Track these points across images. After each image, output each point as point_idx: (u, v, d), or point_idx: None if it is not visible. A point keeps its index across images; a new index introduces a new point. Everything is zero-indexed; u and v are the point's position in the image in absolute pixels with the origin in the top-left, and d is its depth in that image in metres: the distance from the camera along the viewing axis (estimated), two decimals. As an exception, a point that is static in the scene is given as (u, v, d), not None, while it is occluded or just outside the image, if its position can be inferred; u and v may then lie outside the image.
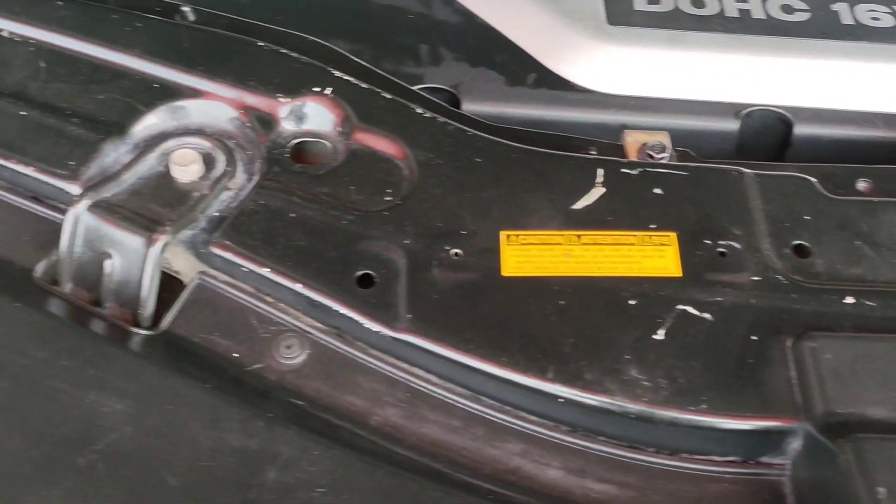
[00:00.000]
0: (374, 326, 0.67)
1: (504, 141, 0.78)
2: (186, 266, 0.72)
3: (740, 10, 0.97)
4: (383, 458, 0.63)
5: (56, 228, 0.72)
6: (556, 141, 0.81)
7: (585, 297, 0.68)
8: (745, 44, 0.93)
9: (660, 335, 0.66)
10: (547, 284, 0.69)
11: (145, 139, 0.77)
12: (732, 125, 0.90)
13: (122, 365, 0.64)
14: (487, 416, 0.66)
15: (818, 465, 0.62)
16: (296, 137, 0.78)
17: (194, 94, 0.79)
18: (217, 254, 0.70)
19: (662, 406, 0.63)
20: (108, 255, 0.70)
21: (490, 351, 0.66)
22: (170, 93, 0.79)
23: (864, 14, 0.96)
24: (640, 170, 0.76)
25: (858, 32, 0.94)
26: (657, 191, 0.74)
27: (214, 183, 0.74)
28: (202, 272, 0.71)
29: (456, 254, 0.71)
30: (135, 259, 0.69)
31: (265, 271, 0.69)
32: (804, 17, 0.96)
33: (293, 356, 0.68)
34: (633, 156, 0.79)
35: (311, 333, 0.69)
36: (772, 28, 0.95)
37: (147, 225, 0.70)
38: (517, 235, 0.71)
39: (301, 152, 0.79)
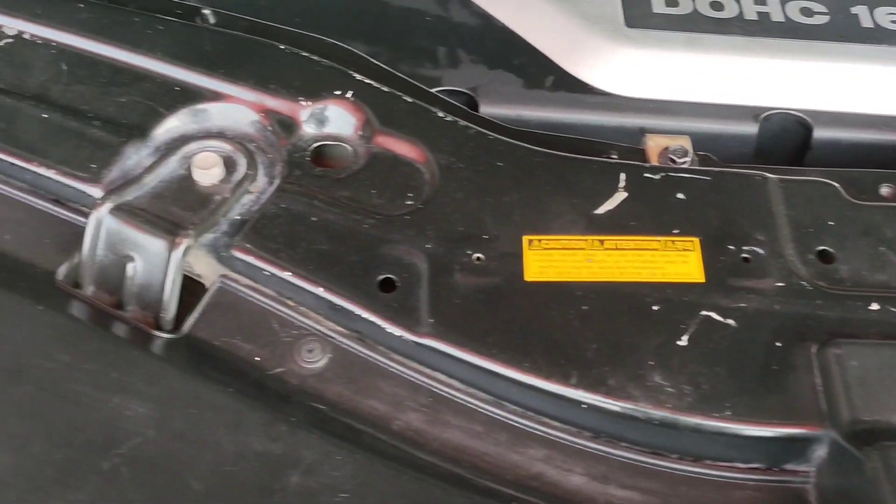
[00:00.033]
0: (396, 331, 0.67)
1: (525, 145, 0.77)
2: (208, 269, 0.72)
3: (759, 13, 0.96)
4: (406, 463, 0.63)
5: (77, 231, 0.72)
6: (577, 145, 0.80)
7: (608, 303, 0.68)
8: (764, 47, 0.93)
9: (683, 341, 0.66)
10: (570, 289, 0.68)
11: (166, 142, 0.77)
12: (751, 129, 0.89)
13: (144, 368, 0.64)
14: (510, 422, 0.66)
15: (844, 472, 0.61)
16: (316, 141, 0.78)
17: (215, 97, 0.79)
18: (239, 257, 0.70)
19: (686, 412, 0.63)
20: (131, 259, 0.70)
21: (513, 356, 0.66)
22: (191, 96, 0.79)
23: (884, 17, 0.95)
24: (663, 174, 0.75)
25: (878, 35, 0.93)
26: (680, 196, 0.74)
27: (236, 186, 0.74)
28: (223, 276, 0.71)
29: (478, 258, 0.70)
30: (157, 262, 0.69)
31: (287, 275, 0.69)
32: (823, 19, 0.96)
33: (315, 360, 0.68)
34: (654, 160, 0.79)
35: (332, 337, 0.69)
36: (791, 31, 0.94)
37: (169, 228, 0.70)
38: (539, 240, 0.71)
39: (321, 156, 0.78)
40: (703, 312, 0.67)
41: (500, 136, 0.78)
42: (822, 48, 0.93)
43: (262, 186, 0.75)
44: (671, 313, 0.67)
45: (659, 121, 0.89)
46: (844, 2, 0.97)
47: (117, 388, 0.62)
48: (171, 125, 0.78)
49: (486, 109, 0.88)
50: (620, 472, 0.64)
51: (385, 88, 0.80)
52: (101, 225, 0.70)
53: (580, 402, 0.64)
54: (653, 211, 0.73)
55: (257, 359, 0.68)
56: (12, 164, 0.75)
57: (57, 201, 0.75)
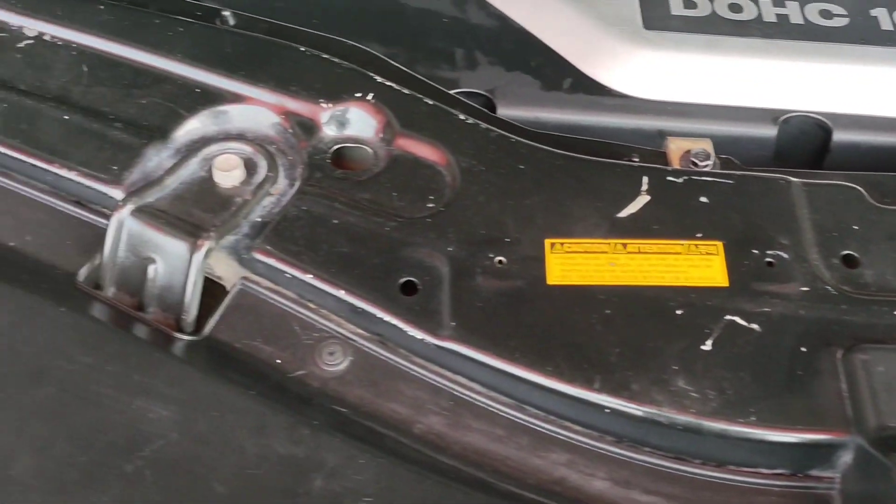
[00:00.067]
0: (418, 334, 0.67)
1: (547, 148, 0.77)
2: (229, 271, 0.72)
3: (778, 15, 0.96)
4: (428, 467, 0.62)
5: (98, 232, 0.72)
6: (597, 147, 0.80)
7: (631, 307, 0.67)
8: (783, 49, 0.92)
9: (707, 346, 0.65)
10: (592, 293, 0.68)
11: (187, 144, 0.77)
12: (770, 131, 0.89)
13: (167, 370, 0.64)
14: (532, 426, 0.66)
15: (870, 479, 0.61)
16: (337, 143, 0.78)
17: (236, 98, 0.79)
18: (260, 259, 0.70)
19: (711, 417, 0.63)
20: (152, 260, 0.70)
21: (535, 360, 0.65)
22: (211, 98, 0.79)
23: (904, 19, 0.95)
24: (686, 178, 0.75)
25: (898, 38, 0.93)
26: (703, 199, 0.73)
27: (257, 188, 0.74)
28: (244, 278, 0.71)
29: (500, 261, 0.70)
30: (179, 264, 0.69)
31: (308, 277, 0.69)
32: (843, 22, 0.95)
33: (336, 363, 0.68)
34: (676, 163, 0.79)
35: (353, 340, 0.68)
36: (810, 33, 0.94)
37: (191, 230, 0.69)
38: (562, 243, 0.71)
39: (341, 158, 0.78)
40: (727, 317, 0.67)
41: (521, 139, 0.78)
42: (842, 50, 0.92)
43: (282, 188, 0.75)
44: (695, 317, 0.67)
45: (677, 123, 0.89)
46: (864, 4, 0.97)
47: (140, 390, 0.62)
48: (192, 127, 0.77)
49: (503, 111, 0.88)
50: (643, 477, 0.64)
51: (406, 91, 0.80)
52: (123, 227, 0.70)
53: (603, 407, 0.64)
54: (676, 214, 0.73)
55: (278, 361, 0.67)
56: (34, 165, 0.75)
57: (78, 203, 0.75)
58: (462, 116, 0.79)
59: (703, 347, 0.65)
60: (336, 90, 0.79)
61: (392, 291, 0.69)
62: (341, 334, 0.69)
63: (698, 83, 0.91)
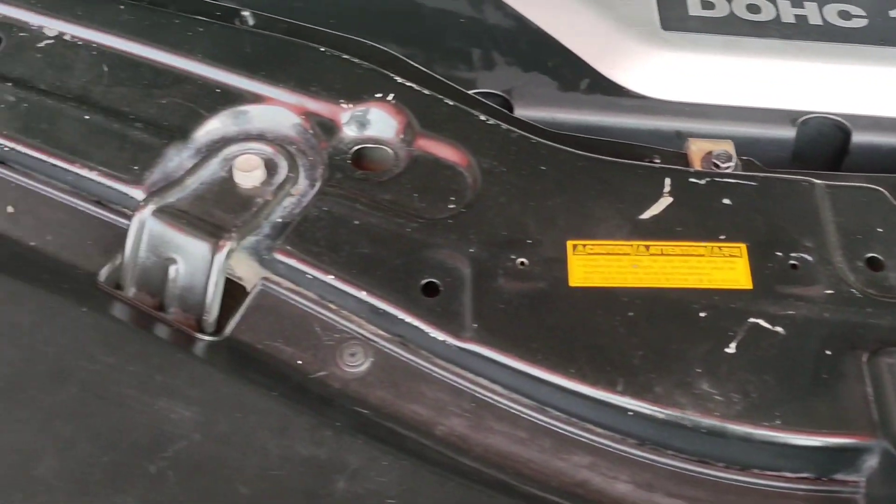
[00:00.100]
0: (440, 335, 0.67)
1: (568, 149, 0.77)
2: (249, 272, 0.72)
3: (797, 16, 0.95)
4: (451, 469, 0.62)
5: (119, 232, 0.72)
6: (618, 148, 0.80)
7: (654, 309, 0.67)
8: (802, 50, 0.92)
9: (731, 348, 0.65)
10: (615, 295, 0.68)
11: (207, 144, 0.77)
12: (788, 133, 0.89)
13: (189, 371, 0.64)
14: (554, 428, 0.65)
15: (895, 483, 0.60)
16: (357, 144, 0.78)
17: (256, 99, 0.79)
18: (281, 260, 0.70)
19: (735, 421, 0.62)
20: (173, 261, 0.70)
21: (558, 362, 0.65)
22: (232, 98, 0.79)
23: (923, 21, 0.95)
24: (708, 179, 0.75)
25: (917, 39, 0.92)
26: (726, 201, 0.73)
27: (277, 189, 0.73)
28: (265, 278, 0.71)
29: (522, 263, 0.70)
30: (200, 265, 0.69)
31: (329, 278, 0.69)
32: (862, 23, 0.95)
33: (357, 364, 0.68)
34: (697, 164, 0.78)
35: (374, 341, 0.68)
36: (829, 34, 0.94)
37: (212, 231, 0.69)
38: (584, 245, 0.70)
39: (361, 158, 0.78)
40: (751, 320, 0.66)
41: (542, 140, 0.77)
42: (861, 52, 0.92)
43: (303, 189, 0.75)
44: (718, 320, 0.66)
45: (695, 124, 0.89)
46: (883, 5, 0.96)
47: (162, 390, 0.62)
48: (212, 127, 0.77)
49: (520, 112, 0.88)
50: (666, 480, 0.64)
51: (426, 91, 0.80)
52: (144, 227, 0.70)
53: (626, 410, 0.63)
54: (698, 216, 0.72)
55: (299, 362, 0.67)
56: (54, 165, 0.75)
57: (99, 203, 0.75)
58: (483, 117, 0.79)
59: (727, 350, 0.65)
60: (356, 91, 0.79)
61: (414, 293, 0.68)
62: (362, 335, 0.69)
63: (716, 84, 0.90)
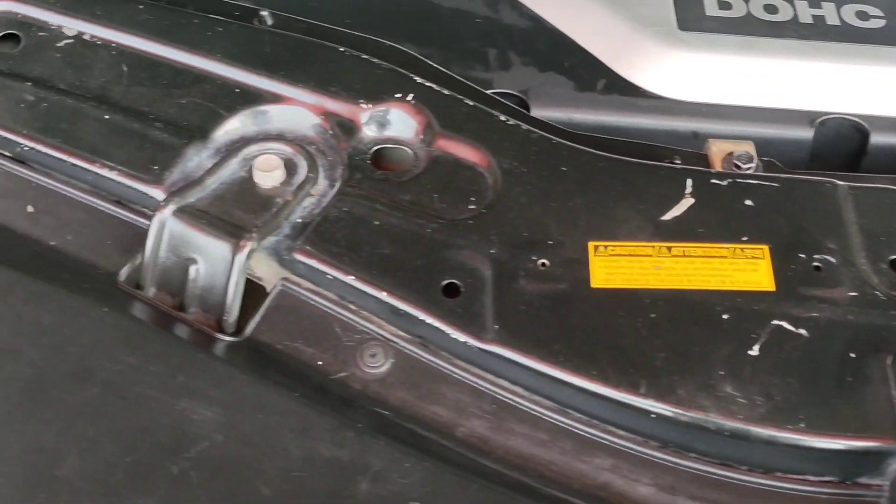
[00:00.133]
0: (461, 337, 0.66)
1: (589, 149, 0.76)
2: (269, 272, 0.71)
3: (814, 16, 0.95)
4: (473, 470, 0.62)
5: (138, 232, 0.72)
6: (638, 149, 0.79)
7: (677, 311, 0.67)
8: (820, 50, 0.91)
9: (754, 351, 0.65)
10: (637, 297, 0.68)
11: (226, 144, 0.77)
12: (806, 133, 0.88)
13: (210, 371, 0.64)
14: (575, 430, 0.65)
15: (921, 487, 0.60)
16: (377, 144, 0.77)
17: (275, 99, 0.79)
18: (301, 261, 0.70)
19: (759, 424, 0.62)
20: (194, 261, 0.70)
21: (580, 364, 0.65)
22: (251, 98, 0.79)
23: (942, 21, 0.94)
24: (730, 181, 0.74)
25: (936, 40, 0.92)
26: (748, 202, 0.73)
27: (297, 189, 0.73)
28: (285, 279, 0.71)
29: (543, 264, 0.70)
30: (220, 265, 0.69)
31: (350, 279, 0.69)
32: (879, 23, 0.94)
33: (378, 365, 0.67)
34: (717, 165, 0.78)
35: (394, 342, 0.68)
36: (846, 34, 0.93)
37: (232, 231, 0.69)
38: (605, 246, 0.70)
39: (381, 159, 0.78)
40: (774, 322, 0.66)
41: (562, 141, 0.77)
42: (879, 52, 0.91)
43: (322, 189, 0.75)
44: (741, 322, 0.66)
45: (712, 125, 0.88)
46: (901, 5, 0.96)
47: (184, 391, 0.62)
48: (232, 127, 0.77)
49: (537, 112, 0.88)
50: (689, 483, 0.63)
51: (445, 91, 0.79)
52: (165, 227, 0.70)
53: (649, 412, 0.63)
54: (720, 218, 0.72)
55: (320, 363, 0.67)
56: (74, 165, 0.75)
57: (118, 202, 0.75)
58: (503, 117, 0.78)
59: (750, 353, 0.65)
60: (376, 91, 0.79)
61: (434, 293, 0.68)
62: (382, 336, 0.68)
63: (733, 84, 0.90)
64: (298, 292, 0.70)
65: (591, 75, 0.92)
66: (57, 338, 0.65)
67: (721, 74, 0.90)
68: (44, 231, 0.73)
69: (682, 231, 0.71)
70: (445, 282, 0.69)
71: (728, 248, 0.70)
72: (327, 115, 0.78)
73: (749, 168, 0.77)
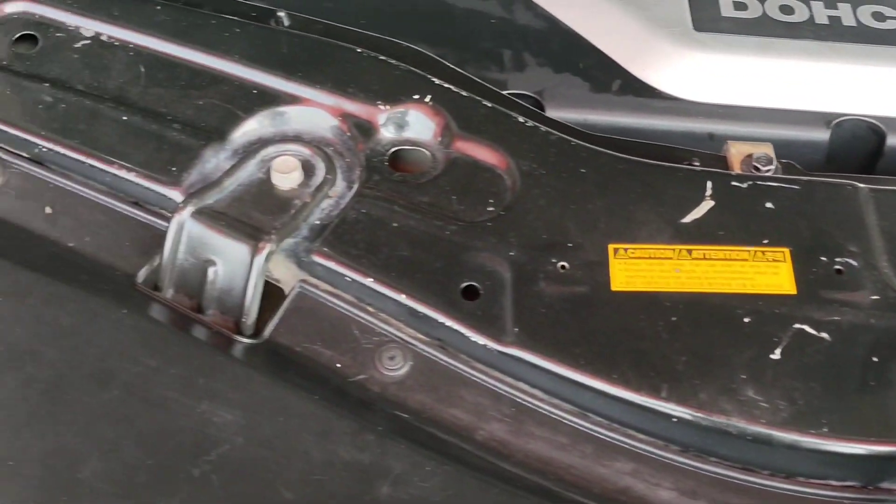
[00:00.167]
0: (480, 339, 0.66)
1: (608, 151, 0.76)
2: (287, 274, 0.71)
3: (830, 17, 0.94)
4: (493, 474, 0.62)
5: (156, 234, 0.72)
6: (656, 151, 0.79)
7: (698, 314, 0.67)
8: (836, 51, 0.91)
9: (776, 355, 0.64)
10: (658, 300, 0.67)
11: (244, 145, 0.77)
12: (822, 135, 0.88)
13: (230, 374, 0.64)
14: (595, 434, 0.65)
15: (944, 493, 0.60)
16: (394, 145, 0.77)
17: (293, 100, 0.78)
18: (319, 262, 0.70)
19: (782, 428, 0.62)
20: (212, 263, 0.69)
21: (601, 367, 0.64)
22: (268, 99, 0.78)
23: (958, 22, 0.93)
24: (750, 183, 0.74)
25: (952, 41, 0.91)
26: (768, 205, 0.72)
27: (315, 191, 0.73)
28: (303, 281, 0.70)
29: (563, 266, 0.69)
30: (239, 267, 0.69)
31: (368, 281, 0.69)
32: (896, 24, 0.94)
33: (396, 367, 0.67)
34: (737, 167, 0.78)
35: (413, 345, 0.68)
36: (862, 35, 0.93)
37: (251, 233, 0.69)
38: (625, 249, 0.70)
39: (398, 160, 0.78)
40: (796, 325, 0.66)
41: (581, 143, 0.77)
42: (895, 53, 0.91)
43: (340, 191, 0.74)
44: (763, 326, 0.66)
45: (728, 126, 0.88)
46: (917, 6, 0.95)
47: (204, 393, 0.62)
48: (249, 128, 0.77)
49: (551, 113, 0.87)
50: (710, 487, 0.63)
51: (464, 93, 0.79)
52: (183, 229, 0.70)
53: (671, 416, 0.63)
54: (741, 220, 0.72)
55: (338, 365, 0.67)
56: (92, 166, 0.75)
57: (136, 204, 0.75)
58: (521, 119, 0.78)
59: (772, 356, 0.64)
60: (394, 92, 0.78)
61: (453, 296, 0.68)
62: (401, 338, 0.68)
63: (749, 86, 0.90)
64: (317, 294, 0.70)
65: (607, 76, 0.92)
66: (76, 339, 0.65)
67: (736, 75, 0.90)
68: (62, 232, 0.73)
69: (703, 234, 0.71)
70: (464, 284, 0.68)
71: (749, 250, 0.70)
72: (345, 116, 0.78)
73: (768, 170, 0.77)
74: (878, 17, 0.94)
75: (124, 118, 0.77)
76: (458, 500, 0.59)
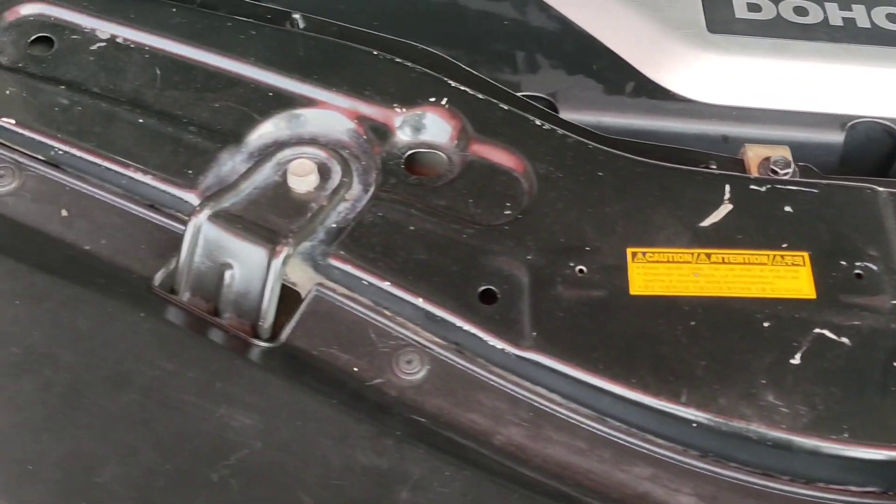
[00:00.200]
0: (498, 344, 0.66)
1: (626, 154, 0.76)
2: (303, 278, 0.71)
3: (844, 19, 0.94)
4: (512, 479, 0.61)
5: (172, 236, 0.72)
6: (672, 154, 0.79)
7: (717, 318, 0.66)
8: (850, 53, 0.91)
9: (796, 359, 0.64)
10: (676, 304, 0.67)
11: (260, 148, 0.76)
12: (837, 137, 0.88)
13: (247, 378, 0.63)
14: (614, 438, 0.65)
15: (966, 499, 0.59)
16: (411, 148, 0.77)
17: (309, 102, 0.78)
18: (336, 266, 0.70)
19: (802, 433, 0.61)
20: (229, 266, 0.69)
21: (619, 372, 0.64)
22: (284, 101, 0.78)
23: (973, 24, 0.93)
24: (769, 186, 0.73)
25: (967, 42, 0.91)
26: (787, 209, 0.72)
27: (332, 194, 0.73)
28: (319, 284, 0.70)
29: (581, 270, 0.69)
30: (256, 270, 0.68)
31: (385, 284, 0.68)
32: (911, 26, 0.93)
33: (414, 372, 0.67)
34: (754, 171, 0.77)
35: (430, 349, 0.68)
36: (877, 37, 0.92)
37: (268, 236, 0.69)
38: (644, 253, 0.70)
39: (415, 163, 0.78)
40: (816, 330, 0.65)
41: (598, 146, 0.76)
42: (910, 55, 0.91)
43: (357, 194, 0.74)
44: (782, 330, 0.65)
45: (742, 128, 0.88)
46: (933, 8, 0.95)
47: (222, 397, 0.62)
48: (265, 131, 0.77)
49: (565, 115, 0.87)
50: (730, 493, 0.63)
51: (480, 96, 0.79)
52: (200, 232, 0.69)
53: (690, 421, 0.63)
54: (759, 224, 0.71)
55: (355, 369, 0.67)
56: (108, 168, 0.75)
57: (152, 206, 0.75)
58: (537, 122, 0.78)
59: (791, 361, 0.64)
60: (410, 95, 0.78)
61: (471, 300, 0.68)
62: (418, 342, 0.68)
63: (763, 87, 0.89)
64: (333, 298, 0.70)
65: (620, 78, 0.91)
66: (93, 343, 0.64)
67: (750, 77, 0.90)
68: (78, 235, 0.73)
69: (721, 237, 0.71)
70: (482, 288, 0.68)
71: (768, 254, 0.70)
72: (361, 119, 0.78)
73: (786, 173, 0.76)
74: (893, 18, 0.94)
75: (140, 121, 0.77)
76: (478, 506, 0.59)
